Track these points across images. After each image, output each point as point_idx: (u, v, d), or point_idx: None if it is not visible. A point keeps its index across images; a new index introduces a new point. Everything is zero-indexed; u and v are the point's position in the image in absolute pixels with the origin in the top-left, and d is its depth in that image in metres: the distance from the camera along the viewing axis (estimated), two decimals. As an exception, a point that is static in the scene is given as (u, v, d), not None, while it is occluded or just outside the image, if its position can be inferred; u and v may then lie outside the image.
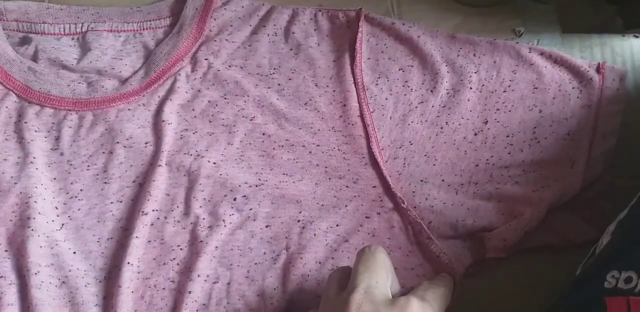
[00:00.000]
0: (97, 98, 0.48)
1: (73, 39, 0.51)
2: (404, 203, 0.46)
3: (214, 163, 0.46)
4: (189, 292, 0.43)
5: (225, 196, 0.46)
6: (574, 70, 0.49)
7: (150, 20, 0.52)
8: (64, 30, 0.51)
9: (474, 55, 0.49)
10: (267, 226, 0.45)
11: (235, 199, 0.45)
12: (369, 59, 0.49)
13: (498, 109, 0.48)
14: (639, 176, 0.41)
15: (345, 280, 0.38)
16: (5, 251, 0.43)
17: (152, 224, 0.45)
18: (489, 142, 0.47)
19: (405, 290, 0.39)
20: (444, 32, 0.50)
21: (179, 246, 0.44)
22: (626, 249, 0.36)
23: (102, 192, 0.46)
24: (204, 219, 0.45)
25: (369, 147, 0.47)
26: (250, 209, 0.45)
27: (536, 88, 0.48)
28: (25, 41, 0.50)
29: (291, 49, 0.50)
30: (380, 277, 0.37)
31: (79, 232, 0.45)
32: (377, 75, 0.49)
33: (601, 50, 0.52)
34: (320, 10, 0.51)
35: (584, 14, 0.54)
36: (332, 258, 0.45)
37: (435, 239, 0.45)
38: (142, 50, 0.51)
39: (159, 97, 0.49)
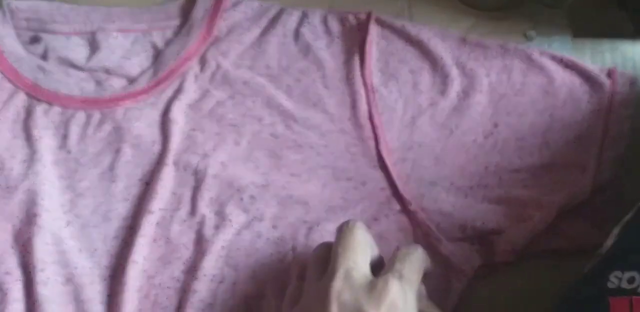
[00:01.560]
0: (105, 97, 0.48)
1: (82, 38, 0.51)
2: (412, 205, 0.45)
3: (221, 163, 0.46)
4: (194, 292, 0.42)
5: (231, 195, 0.45)
6: (585, 75, 0.48)
7: (159, 21, 0.52)
8: (74, 30, 0.51)
9: (485, 58, 0.49)
10: (273, 227, 0.45)
11: (242, 199, 0.45)
12: (378, 61, 0.49)
13: (508, 113, 0.48)
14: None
15: (326, 261, 0.37)
16: (12, 247, 0.43)
17: (158, 223, 0.44)
18: (499, 146, 0.47)
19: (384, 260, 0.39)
20: (454, 35, 0.50)
21: (184, 244, 0.44)
22: (629, 250, 0.36)
23: (108, 191, 0.46)
24: (210, 218, 0.45)
25: (378, 149, 0.47)
26: (257, 209, 0.45)
27: (547, 92, 0.48)
28: (35, 40, 0.51)
29: (300, 51, 0.50)
30: (359, 257, 0.36)
31: (84, 230, 0.45)
32: (386, 78, 0.49)
33: (612, 55, 0.51)
34: (330, 13, 0.51)
35: (595, 19, 0.54)
36: (339, 260, 0.44)
37: (445, 240, 0.44)
38: (150, 50, 0.51)
39: (167, 96, 0.49)
